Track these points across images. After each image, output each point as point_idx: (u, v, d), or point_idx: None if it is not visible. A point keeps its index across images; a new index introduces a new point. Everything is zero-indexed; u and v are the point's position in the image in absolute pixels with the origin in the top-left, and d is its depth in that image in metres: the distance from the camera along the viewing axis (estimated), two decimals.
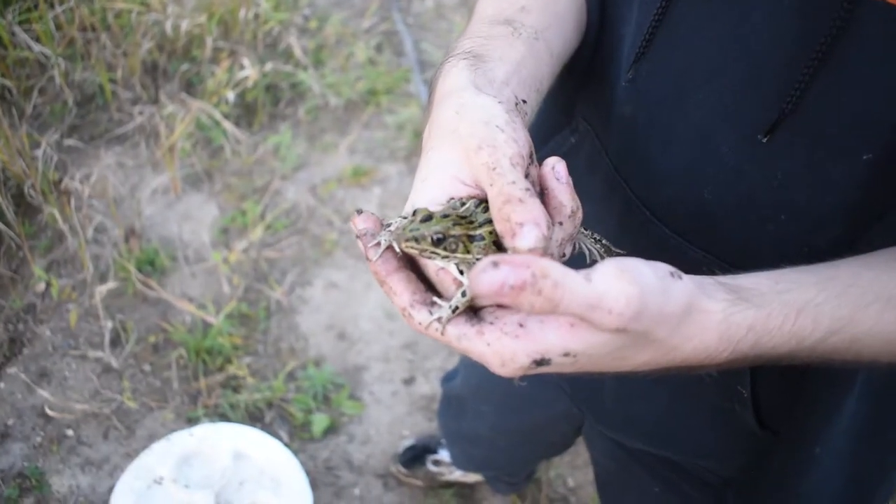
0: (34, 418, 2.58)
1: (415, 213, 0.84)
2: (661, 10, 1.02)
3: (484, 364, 0.80)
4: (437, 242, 0.82)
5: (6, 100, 3.32)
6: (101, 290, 2.78)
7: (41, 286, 2.90)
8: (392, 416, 2.74)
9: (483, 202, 0.87)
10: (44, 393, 2.60)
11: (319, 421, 2.64)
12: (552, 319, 0.75)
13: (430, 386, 2.81)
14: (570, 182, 0.88)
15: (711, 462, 1.36)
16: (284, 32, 3.66)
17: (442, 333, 0.80)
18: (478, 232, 0.84)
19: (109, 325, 2.77)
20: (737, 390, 1.19)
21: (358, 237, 0.87)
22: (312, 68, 3.60)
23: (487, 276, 0.67)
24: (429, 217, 0.83)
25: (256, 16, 3.57)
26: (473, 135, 0.85)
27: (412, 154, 3.40)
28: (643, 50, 1.06)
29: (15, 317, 2.83)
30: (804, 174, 0.98)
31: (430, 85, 1.02)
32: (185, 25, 3.40)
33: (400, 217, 0.89)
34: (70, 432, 2.57)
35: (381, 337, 2.92)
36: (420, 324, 0.82)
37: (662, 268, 0.78)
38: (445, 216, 0.84)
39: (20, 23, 3.38)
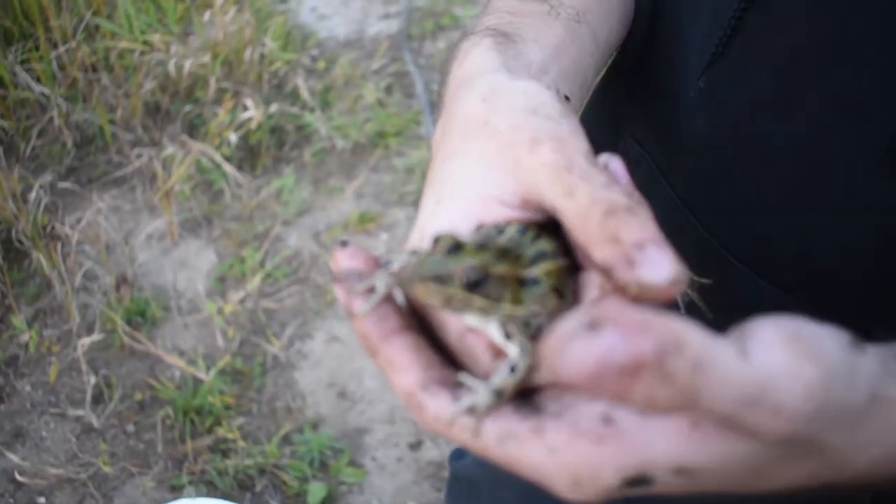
0: (4, 483, 2.32)
1: (436, 241, 0.54)
2: None
3: (542, 483, 0.50)
4: (473, 286, 0.51)
5: (2, 141, 3.12)
6: (85, 342, 2.52)
7: (25, 337, 2.64)
8: (397, 484, 2.44)
9: (530, 227, 0.56)
10: (14, 458, 2.33)
11: (316, 490, 2.34)
12: (663, 415, 0.47)
13: (438, 451, 2.51)
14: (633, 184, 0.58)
15: None
16: (291, 73, 3.44)
17: (477, 433, 0.50)
18: (531, 273, 0.54)
19: (92, 380, 2.50)
20: (855, 496, 0.88)
21: (336, 281, 0.56)
22: (319, 110, 3.37)
23: (581, 349, 0.40)
24: (456, 247, 0.53)
25: (262, 56, 3.36)
26: (519, 126, 0.56)
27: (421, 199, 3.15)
28: (724, 45, 0.77)
29: None
30: None
31: (442, 75, 0.72)
32: (188, 66, 3.20)
33: (406, 253, 0.58)
34: (42, 500, 2.29)
35: (386, 396, 2.63)
36: (437, 417, 0.51)
37: (842, 335, 0.49)
38: (482, 247, 0.54)
39: (21, 62, 3.18)
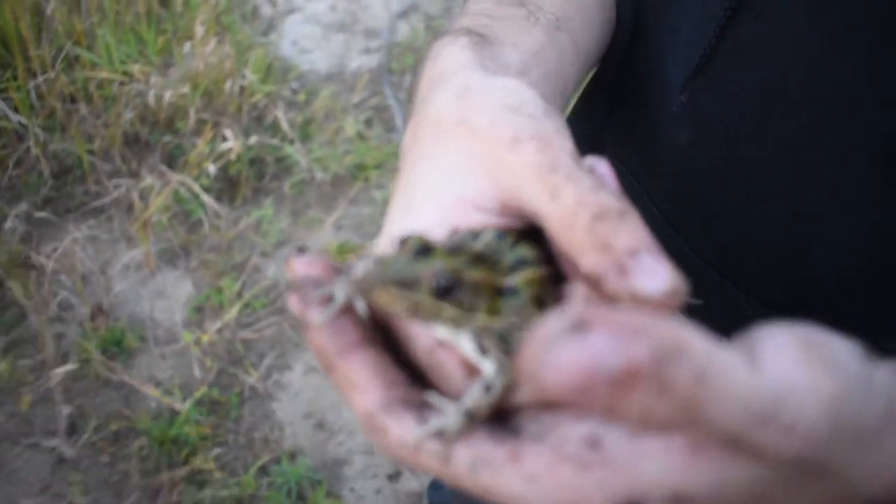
0: None
1: (402, 244, 0.48)
2: (732, 5, 0.71)
3: None
4: (444, 293, 0.45)
5: None
6: (58, 372, 2.47)
7: None
8: None
9: (508, 233, 0.50)
10: None
11: None
12: (656, 435, 0.40)
13: (417, 482, 2.48)
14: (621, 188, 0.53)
15: None
16: (271, 105, 3.43)
17: (446, 460, 0.44)
18: (509, 281, 0.48)
19: (66, 410, 2.45)
20: None
21: (291, 289, 0.50)
22: (299, 142, 3.36)
23: (566, 354, 0.34)
24: (425, 250, 0.47)
25: (242, 88, 3.35)
26: (498, 124, 0.50)
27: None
28: (706, 58, 0.75)
29: None
30: None
31: (414, 76, 0.68)
32: (167, 96, 3.17)
33: (370, 259, 0.50)
34: None
35: None
36: (401, 442, 0.45)
37: (855, 346, 0.43)
38: (454, 251, 0.47)
39: None
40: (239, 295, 2.85)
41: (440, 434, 0.44)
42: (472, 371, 0.48)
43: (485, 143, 0.51)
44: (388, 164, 3.41)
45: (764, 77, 0.74)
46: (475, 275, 0.47)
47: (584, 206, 0.45)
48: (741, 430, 0.38)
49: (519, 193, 0.50)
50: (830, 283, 0.76)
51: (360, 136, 3.47)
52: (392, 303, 0.45)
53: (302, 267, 0.51)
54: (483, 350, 0.47)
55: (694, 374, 0.36)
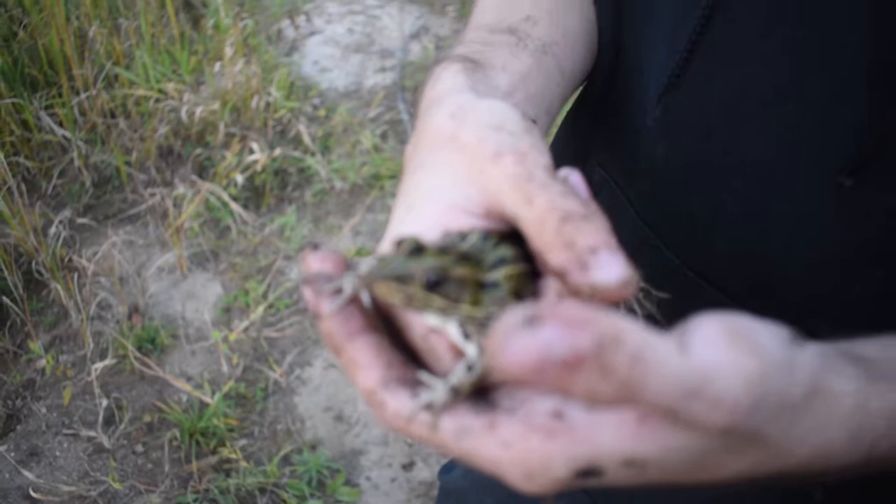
0: (19, 500, 2.23)
1: (398, 244, 0.52)
2: (700, 23, 0.72)
3: (498, 476, 0.47)
4: (433, 286, 0.50)
5: (26, 180, 3.07)
6: (98, 367, 2.45)
7: (42, 362, 2.58)
8: (390, 503, 2.37)
9: (492, 235, 0.54)
10: (29, 476, 2.25)
11: None
12: (610, 408, 0.44)
13: (430, 471, 2.45)
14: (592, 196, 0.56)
15: None
16: (294, 120, 3.41)
17: (434, 429, 0.48)
18: (491, 277, 0.52)
19: (104, 403, 2.43)
20: (806, 493, 0.84)
21: (305, 282, 0.54)
22: (320, 154, 3.34)
23: (521, 343, 0.37)
24: (418, 250, 0.51)
25: (268, 104, 3.34)
26: (484, 140, 0.54)
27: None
28: (677, 74, 0.75)
29: (14, 392, 2.51)
30: None
31: (416, 97, 0.72)
32: (199, 112, 3.16)
33: (374, 258, 0.55)
34: None
35: None
36: (397, 414, 0.49)
37: (782, 331, 0.46)
38: (443, 251, 0.52)
39: (45, 108, 3.15)
40: (264, 296, 2.84)
41: (429, 407, 0.48)
42: (459, 354, 0.52)
43: (472, 157, 0.54)
44: (401, 175, 3.38)
45: (731, 93, 0.74)
46: (460, 271, 0.51)
47: (553, 210, 0.49)
48: (674, 405, 0.41)
49: (500, 200, 0.53)
50: (791, 281, 0.76)
51: (376, 149, 3.45)
52: (390, 295, 0.50)
53: (316, 262, 0.54)
54: (467, 336, 0.51)
55: (630, 359, 0.39)
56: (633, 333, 0.39)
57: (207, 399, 2.46)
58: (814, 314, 0.72)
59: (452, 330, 0.52)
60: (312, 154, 3.33)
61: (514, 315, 0.38)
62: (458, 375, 0.49)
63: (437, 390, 0.49)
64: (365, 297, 0.54)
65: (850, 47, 0.65)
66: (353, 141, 3.46)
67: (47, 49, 3.16)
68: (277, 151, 3.20)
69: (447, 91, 0.62)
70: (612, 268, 0.46)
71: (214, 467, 2.35)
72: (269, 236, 3.06)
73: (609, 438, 0.44)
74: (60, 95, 3.17)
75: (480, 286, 0.52)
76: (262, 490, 2.32)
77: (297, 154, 3.30)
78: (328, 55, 3.85)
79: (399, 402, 0.49)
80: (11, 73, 3.11)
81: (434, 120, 0.59)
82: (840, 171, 0.67)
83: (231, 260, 2.96)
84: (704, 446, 0.45)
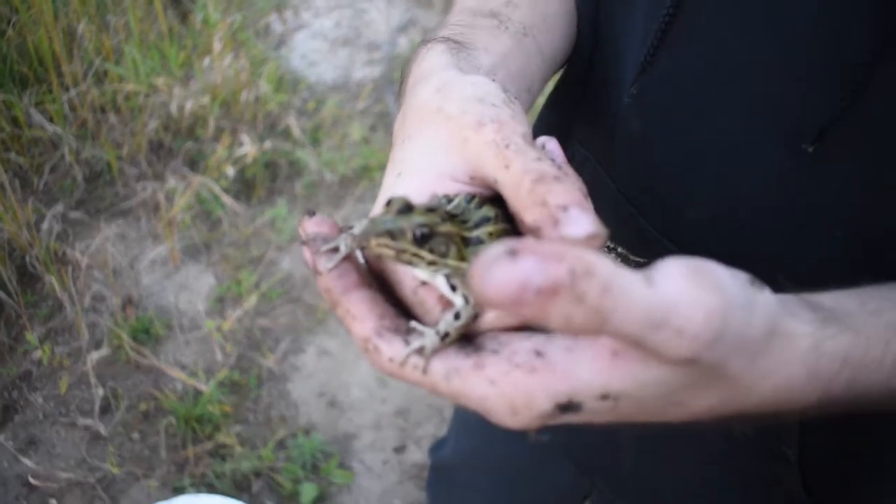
0: (18, 487, 2.26)
1: (388, 203, 0.56)
2: (671, 8, 0.76)
3: (486, 414, 0.51)
4: (422, 240, 0.54)
5: (18, 175, 3.09)
6: (94, 357, 2.48)
7: (38, 353, 2.61)
8: (383, 485, 2.42)
9: (476, 197, 0.59)
10: (28, 462, 2.28)
11: (308, 491, 2.32)
12: (585, 345, 0.48)
13: (421, 454, 2.49)
14: (567, 161, 0.61)
15: None
16: (283, 113, 3.44)
17: (424, 371, 0.52)
18: (474, 234, 0.56)
19: (101, 392, 2.46)
20: (781, 451, 0.89)
21: (303, 244, 0.59)
22: (310, 146, 3.37)
23: (501, 273, 0.40)
24: (408, 208, 0.55)
25: (257, 97, 3.36)
26: (467, 112, 0.58)
27: None
28: (652, 53, 0.80)
29: (11, 384, 2.53)
30: (866, 184, 0.70)
31: (402, 75, 0.75)
32: (189, 106, 3.18)
33: (367, 220, 0.59)
34: (54, 502, 2.24)
35: (373, 404, 2.62)
36: (391, 360, 0.53)
37: (741, 274, 0.50)
38: (431, 210, 0.56)
39: (35, 104, 3.16)
40: (256, 286, 2.87)
41: (420, 351, 0.52)
42: (448, 305, 0.56)
43: (456, 127, 0.59)
44: (391, 148, 3.42)
45: (700, 71, 0.79)
46: (447, 228, 0.55)
47: (528, 173, 0.53)
48: (640, 334, 0.44)
49: (482, 166, 0.57)
50: (759, 245, 0.80)
51: (365, 141, 3.48)
52: (382, 249, 0.54)
53: (312, 226, 0.59)
54: (454, 287, 0.55)
55: (601, 287, 0.42)
56: (604, 266, 0.42)
57: (202, 387, 2.49)
58: (780, 274, 0.77)
59: (440, 282, 0.56)
60: (302, 146, 3.36)
61: (495, 248, 0.41)
62: (447, 322, 0.53)
63: (428, 336, 0.53)
64: (359, 256, 0.58)
65: (806, 23, 0.69)
66: (342, 133, 3.50)
67: (36, 46, 3.18)
68: (268, 144, 3.23)
69: (432, 68, 0.66)
70: (580, 223, 0.49)
71: (210, 452, 2.39)
72: (260, 228, 3.09)
73: (586, 372, 0.48)
74: (50, 92, 3.19)
75: (465, 242, 0.56)
76: (258, 474, 2.36)
77: (286, 147, 3.33)
78: (316, 49, 3.88)
79: (392, 349, 0.53)
80: (1, 71, 3.13)
81: (421, 95, 0.63)
82: (803, 138, 0.71)
83: (223, 251, 2.99)
84: (673, 379, 0.48)
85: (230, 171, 3.11)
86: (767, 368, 0.52)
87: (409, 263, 0.55)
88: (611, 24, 0.91)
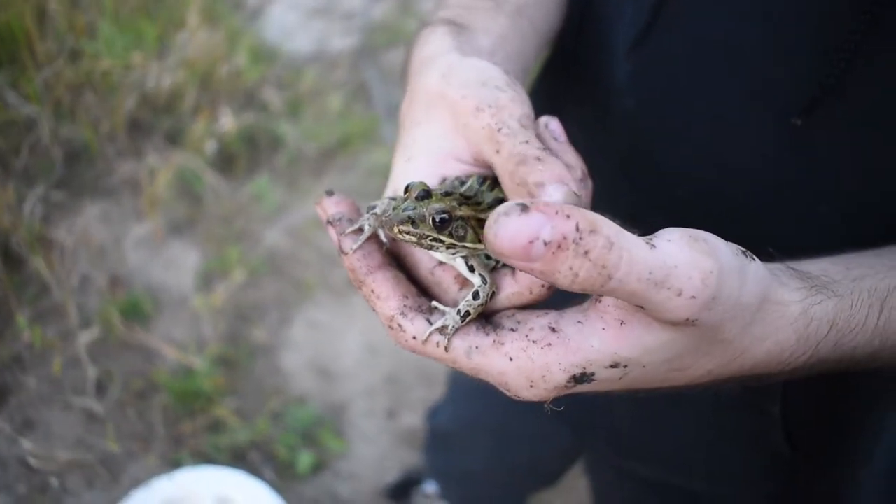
0: (18, 469, 2.27)
1: (407, 189, 0.60)
2: None
3: (503, 387, 0.55)
4: (441, 225, 0.57)
5: None
6: (85, 337, 2.48)
7: (28, 336, 2.60)
8: (377, 450, 2.46)
9: (487, 179, 0.63)
10: (26, 443, 2.29)
11: (304, 460, 2.35)
12: (594, 317, 0.52)
13: (413, 419, 2.54)
14: (568, 141, 0.66)
15: (735, 489, 1.10)
16: (261, 86, 3.42)
17: (446, 348, 0.56)
18: (488, 215, 0.58)
19: (93, 371, 2.47)
20: (765, 408, 0.93)
21: (329, 223, 0.62)
22: (289, 118, 3.35)
23: (512, 225, 0.43)
24: (426, 194, 0.59)
25: (235, 71, 3.33)
26: (468, 96, 0.62)
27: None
28: (645, 32, 0.83)
29: (2, 367, 2.53)
30: (849, 158, 0.74)
31: (405, 55, 0.79)
32: (166, 81, 3.15)
33: (388, 198, 0.64)
34: (55, 481, 2.26)
35: (363, 372, 2.65)
36: (414, 337, 0.58)
37: (734, 245, 0.54)
38: (447, 194, 0.60)
39: (10, 84, 3.11)
40: (242, 260, 2.87)
41: (442, 329, 0.57)
42: (464, 285, 0.61)
43: (458, 112, 0.63)
44: (369, 136, 3.42)
45: (692, 50, 0.82)
46: (463, 211, 0.59)
47: (513, 156, 0.58)
48: (642, 291, 0.48)
49: (481, 149, 0.62)
50: (747, 218, 0.84)
51: (344, 111, 3.47)
52: (404, 236, 0.58)
53: (332, 205, 0.64)
54: (472, 268, 0.60)
55: (606, 243, 0.45)
56: (608, 225, 0.46)
57: (194, 362, 2.50)
58: (767, 246, 0.80)
59: (459, 264, 0.60)
60: (282, 119, 3.34)
61: (506, 204, 0.45)
62: (467, 301, 0.57)
63: (449, 315, 0.57)
64: (381, 235, 0.62)
65: (799, 6, 0.72)
66: (321, 105, 3.48)
67: (7, 24, 3.12)
68: (247, 118, 3.21)
69: (436, 52, 0.70)
70: (553, 196, 0.54)
71: (206, 426, 2.41)
72: (243, 202, 3.08)
73: (597, 343, 0.52)
74: (25, 71, 3.14)
75: (480, 224, 0.60)
76: (254, 445, 2.39)
77: (266, 119, 3.31)
78: (291, 20, 3.84)
79: (416, 327, 0.58)
80: None
81: (426, 79, 0.67)
82: (791, 113, 0.74)
83: (207, 227, 2.98)
84: (676, 344, 0.53)
85: (211, 145, 3.09)
86: (761, 333, 0.56)
87: (430, 248, 0.58)
88: (602, 3, 0.93)
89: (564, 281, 0.46)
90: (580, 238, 0.44)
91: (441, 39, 0.72)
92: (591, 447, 1.33)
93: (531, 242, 0.43)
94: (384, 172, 3.24)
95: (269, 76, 3.50)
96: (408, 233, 0.57)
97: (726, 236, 0.79)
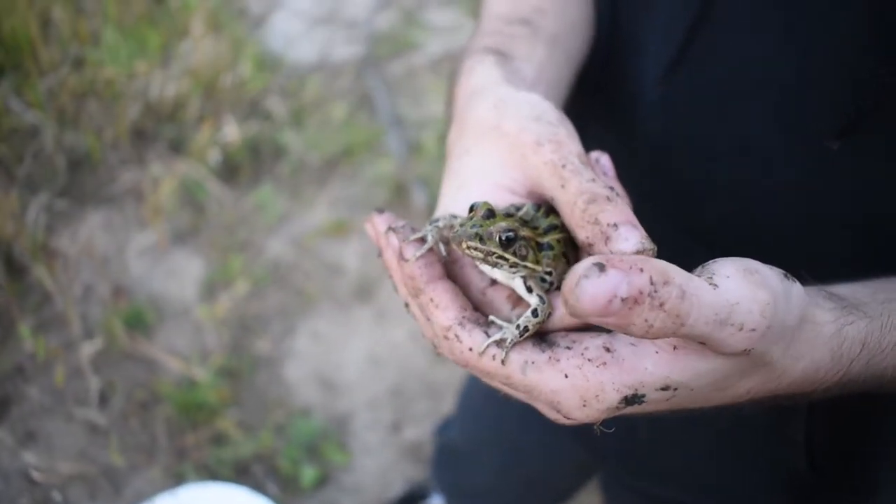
0: (20, 482, 2.24)
1: (472, 208, 0.60)
2: (698, 12, 0.79)
3: (555, 407, 0.55)
4: (507, 243, 0.58)
5: None
6: (88, 347, 2.45)
7: (31, 346, 2.57)
8: (381, 463, 2.43)
9: (542, 206, 0.64)
10: (28, 455, 2.26)
11: (308, 473, 2.33)
12: (648, 341, 0.53)
13: (417, 431, 2.51)
14: (616, 176, 0.67)
15: None
16: (265, 95, 3.39)
17: (503, 361, 0.56)
18: (545, 240, 0.61)
19: (96, 382, 2.44)
20: (789, 435, 0.93)
21: (392, 229, 0.62)
22: (293, 127, 3.32)
23: (592, 287, 0.44)
24: (491, 214, 0.60)
25: (238, 80, 3.30)
26: (526, 130, 0.62)
27: (389, 206, 3.13)
28: (678, 59, 0.82)
29: (5, 377, 2.50)
30: (882, 182, 0.74)
31: (450, 84, 0.79)
32: (170, 90, 3.12)
33: (447, 215, 0.64)
34: (57, 495, 2.23)
35: (367, 384, 2.62)
36: (471, 349, 0.58)
37: (777, 269, 0.56)
38: (508, 215, 0.62)
39: (13, 92, 3.08)
40: (245, 270, 2.84)
41: (500, 342, 0.57)
42: (516, 304, 0.62)
43: (514, 144, 0.63)
44: (373, 146, 3.39)
45: (725, 74, 0.81)
46: (525, 232, 0.60)
47: (582, 193, 0.57)
48: (710, 331, 0.49)
49: (540, 183, 0.62)
50: (774, 242, 0.84)
51: (348, 120, 3.44)
52: (472, 251, 0.58)
53: (382, 222, 0.63)
54: (529, 289, 0.61)
55: (679, 293, 0.46)
56: (679, 273, 0.47)
57: (197, 373, 2.47)
58: (792, 271, 0.79)
59: (518, 283, 0.61)
60: (285, 128, 3.31)
61: (583, 264, 0.45)
62: (527, 318, 0.58)
63: (508, 329, 0.58)
64: (441, 249, 0.63)
65: (832, 33, 0.71)
66: (325, 114, 3.45)
67: (12, 32, 3.09)
68: (251, 127, 3.18)
69: (485, 83, 0.70)
70: (630, 239, 0.54)
71: (209, 439, 2.38)
72: (246, 211, 3.06)
73: (650, 365, 0.52)
74: (28, 79, 3.11)
75: (539, 247, 0.61)
76: (258, 458, 2.36)
77: (270, 129, 3.28)
78: (295, 28, 3.81)
79: (473, 339, 0.58)
80: None
81: (477, 111, 0.67)
82: (827, 135, 0.73)
83: (211, 236, 2.95)
84: (725, 369, 0.53)
85: (214, 154, 3.06)
86: (799, 352, 0.57)
87: (495, 265, 0.59)
88: (630, 25, 0.92)
89: (639, 331, 0.46)
90: (655, 291, 0.45)
91: (489, 70, 0.72)
92: (605, 465, 1.31)
93: (609, 300, 0.44)
94: (388, 183, 3.22)
95: (273, 85, 3.48)
96: (475, 248, 0.58)
97: (753, 258, 0.80)
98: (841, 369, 0.60)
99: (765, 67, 0.77)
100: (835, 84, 0.72)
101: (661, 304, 0.46)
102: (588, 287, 0.44)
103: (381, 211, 0.64)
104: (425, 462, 2.40)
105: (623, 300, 0.44)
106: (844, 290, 0.64)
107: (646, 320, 0.46)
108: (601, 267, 0.44)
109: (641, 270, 0.45)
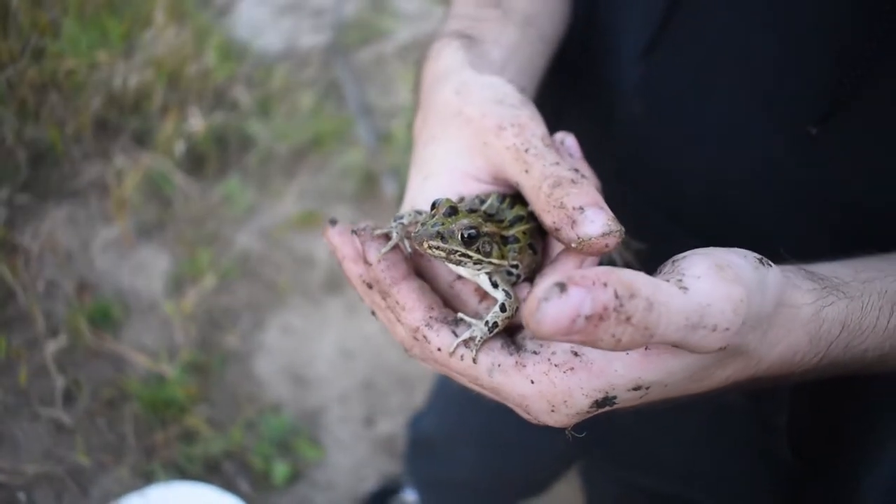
0: None
1: (434, 205, 0.59)
2: None
3: (524, 410, 0.54)
4: (470, 241, 0.57)
5: None
6: (52, 345, 2.39)
7: None
8: (354, 458, 2.41)
9: (507, 197, 0.63)
10: None
11: (280, 469, 2.30)
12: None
13: (390, 424, 2.49)
14: (583, 157, 0.65)
15: (737, 499, 1.09)
16: (231, 84, 3.33)
17: (474, 360, 0.55)
18: (510, 233, 0.60)
19: (61, 381, 2.38)
20: (771, 419, 0.92)
21: (354, 232, 0.60)
22: (260, 117, 3.27)
23: (552, 309, 0.42)
24: (453, 211, 0.58)
25: (203, 69, 3.23)
26: (487, 115, 0.61)
27: (358, 196, 3.09)
28: (656, 40, 0.81)
29: None
30: (862, 167, 0.73)
31: (417, 70, 0.77)
32: (133, 81, 3.05)
33: (411, 212, 0.63)
34: (22, 496, 2.18)
35: (338, 378, 2.59)
36: (439, 349, 0.56)
37: (751, 255, 0.54)
38: (471, 211, 0.60)
39: None
40: (213, 264, 2.80)
41: (469, 341, 0.56)
42: (483, 297, 0.61)
43: (477, 130, 0.62)
44: (341, 135, 3.35)
45: (704, 57, 0.80)
46: (489, 228, 0.59)
47: (546, 177, 0.56)
48: (682, 337, 0.47)
49: (503, 168, 0.61)
50: (754, 224, 0.83)
51: (316, 110, 3.39)
52: (434, 250, 0.57)
53: (336, 235, 0.61)
54: (495, 284, 0.60)
55: (646, 305, 0.45)
56: (645, 283, 0.45)
57: (165, 369, 2.43)
58: (771, 251, 0.79)
59: (483, 279, 0.60)
60: (252, 118, 3.25)
61: (543, 285, 0.44)
62: (495, 314, 0.57)
63: (477, 327, 0.57)
64: (406, 246, 0.61)
65: (815, 14, 0.71)
66: (292, 103, 3.40)
67: None
68: (216, 117, 3.12)
69: (449, 68, 0.69)
70: (596, 222, 0.53)
71: (179, 436, 2.34)
72: (214, 204, 3.01)
73: (620, 367, 0.51)
74: None
75: (503, 240, 0.60)
76: (228, 455, 2.33)
77: (236, 119, 3.23)
78: (260, 17, 3.75)
79: (442, 339, 0.57)
80: None
81: (441, 96, 0.66)
82: (806, 121, 0.73)
83: (177, 229, 2.90)
84: (699, 364, 0.52)
85: (179, 146, 3.00)
86: (776, 337, 0.56)
87: (458, 263, 0.58)
88: (609, 11, 0.91)
89: (607, 346, 0.45)
90: (620, 305, 0.43)
91: (454, 54, 0.71)
92: (587, 455, 1.30)
93: (572, 322, 0.43)
94: (357, 173, 3.18)
95: (239, 74, 3.41)
96: (437, 248, 0.57)
97: (734, 242, 0.79)
98: (819, 352, 0.59)
99: (744, 48, 0.76)
100: (816, 64, 0.72)
101: (628, 319, 0.44)
102: (549, 309, 0.42)
103: (333, 222, 0.62)
104: (399, 456, 2.38)
105: (587, 318, 0.43)
106: (825, 269, 0.63)
107: (613, 335, 0.44)
108: (562, 287, 0.42)
109: (605, 285, 0.43)
